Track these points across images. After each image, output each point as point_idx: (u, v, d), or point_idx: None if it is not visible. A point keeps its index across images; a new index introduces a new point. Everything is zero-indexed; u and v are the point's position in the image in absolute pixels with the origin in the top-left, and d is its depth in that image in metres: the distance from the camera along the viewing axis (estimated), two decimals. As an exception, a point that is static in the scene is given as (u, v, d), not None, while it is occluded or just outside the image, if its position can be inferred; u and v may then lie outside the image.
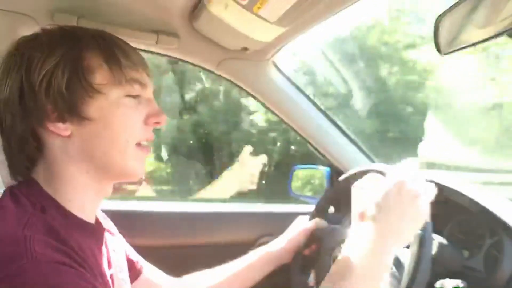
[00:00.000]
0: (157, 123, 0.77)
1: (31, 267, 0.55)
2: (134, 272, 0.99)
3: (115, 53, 0.73)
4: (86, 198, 0.74)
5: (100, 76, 0.70)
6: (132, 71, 0.74)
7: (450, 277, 0.92)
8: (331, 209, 1.29)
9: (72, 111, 0.68)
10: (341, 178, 1.14)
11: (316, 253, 1.07)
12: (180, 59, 1.35)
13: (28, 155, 0.71)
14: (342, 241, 1.01)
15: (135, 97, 0.74)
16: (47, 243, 0.59)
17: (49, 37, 0.72)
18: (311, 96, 1.45)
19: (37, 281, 0.55)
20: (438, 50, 0.82)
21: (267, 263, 1.12)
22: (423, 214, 0.83)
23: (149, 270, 1.04)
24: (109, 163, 0.73)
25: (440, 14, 0.83)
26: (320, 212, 1.17)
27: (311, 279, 1.04)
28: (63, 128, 0.69)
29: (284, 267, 1.15)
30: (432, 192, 0.86)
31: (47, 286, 0.55)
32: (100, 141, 0.71)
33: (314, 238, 1.10)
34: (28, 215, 0.63)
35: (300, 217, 1.14)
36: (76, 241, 0.65)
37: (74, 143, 0.70)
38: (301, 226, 1.13)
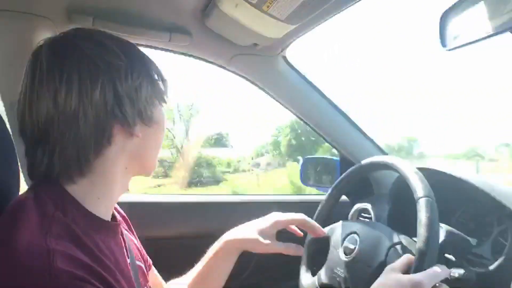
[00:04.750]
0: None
1: (50, 284, 0.56)
2: (146, 264, 1.01)
3: (156, 68, 0.82)
4: (114, 194, 0.78)
5: (159, 86, 0.80)
6: (165, 85, 0.83)
7: (458, 264, 0.94)
8: (343, 198, 1.30)
9: (148, 115, 0.77)
10: (353, 168, 1.15)
11: (324, 251, 1.07)
12: (193, 56, 1.38)
13: (88, 155, 0.71)
14: (349, 235, 1.03)
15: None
16: (69, 258, 0.59)
17: (116, 44, 0.75)
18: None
19: None
20: (443, 46, 0.83)
21: (229, 253, 1.06)
22: None
23: (153, 267, 1.07)
24: (149, 160, 0.82)
25: (446, 10, 0.84)
26: (331, 201, 1.18)
27: (320, 279, 1.04)
28: (138, 130, 0.75)
29: (292, 268, 1.16)
30: None
31: None
32: (154, 142, 0.81)
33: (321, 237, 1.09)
34: (50, 220, 0.64)
35: (274, 213, 1.07)
36: (98, 246, 0.68)
37: (136, 143, 0.76)
38: (274, 219, 1.05)
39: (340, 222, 1.10)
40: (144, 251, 1.01)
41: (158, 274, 1.08)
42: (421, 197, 0.85)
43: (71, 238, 0.63)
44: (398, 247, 0.92)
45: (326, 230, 1.09)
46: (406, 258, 0.83)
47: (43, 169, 0.70)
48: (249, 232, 1.03)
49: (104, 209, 0.76)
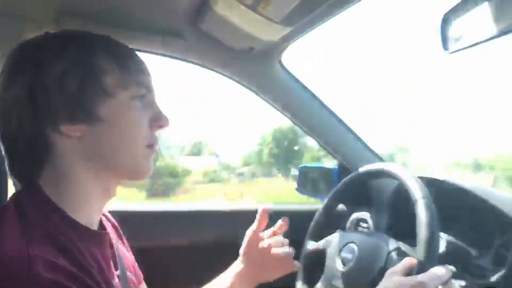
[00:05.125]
0: (161, 125, 0.78)
1: None
2: (137, 277, 0.99)
3: (123, 57, 0.74)
4: (92, 201, 0.74)
5: (110, 78, 0.71)
6: (139, 74, 0.75)
7: (459, 275, 0.91)
8: (340, 207, 1.28)
9: (83, 111, 0.69)
10: (350, 176, 1.14)
11: (321, 264, 1.05)
12: (187, 60, 1.35)
13: (35, 158, 0.70)
14: (347, 244, 1.00)
15: (141, 99, 0.75)
16: (50, 263, 0.58)
17: (57, 39, 0.73)
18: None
19: None
20: (445, 49, 0.81)
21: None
22: None
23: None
24: (118, 164, 0.74)
25: (447, 12, 0.82)
26: (328, 210, 1.17)
27: None
28: (74, 129, 0.69)
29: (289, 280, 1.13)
30: None
31: None
32: (110, 142, 0.72)
33: (317, 249, 1.09)
34: (32, 227, 0.62)
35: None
36: (81, 252, 0.65)
37: (84, 144, 0.70)
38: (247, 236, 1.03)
39: (336, 233, 1.08)
40: (136, 265, 0.98)
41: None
42: (419, 199, 0.85)
43: (53, 244, 0.61)
44: (397, 252, 0.90)
45: (321, 242, 1.08)
46: (407, 261, 0.81)
47: (12, 172, 0.72)
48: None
49: (85, 217, 0.72)
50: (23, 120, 0.68)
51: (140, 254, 1.01)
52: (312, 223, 1.15)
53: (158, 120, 0.78)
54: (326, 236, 1.11)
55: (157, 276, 1.07)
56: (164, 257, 1.27)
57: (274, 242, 1.02)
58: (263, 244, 1.01)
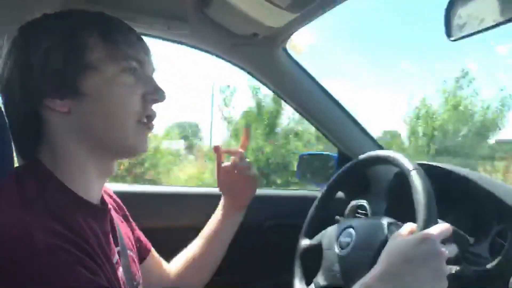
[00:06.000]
0: (155, 100, 0.78)
1: (30, 254, 0.56)
2: (143, 251, 1.01)
3: (111, 30, 0.74)
4: (89, 177, 0.75)
5: (96, 52, 0.71)
6: (129, 48, 0.74)
7: (455, 262, 0.92)
8: (339, 194, 1.29)
9: (68, 87, 0.69)
10: (350, 163, 1.14)
11: (317, 260, 1.05)
12: (191, 45, 1.35)
13: (30, 133, 0.72)
14: (344, 230, 1.00)
15: (132, 73, 0.74)
16: (47, 228, 0.59)
17: (47, 18, 0.74)
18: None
19: (36, 269, 0.55)
20: (448, 36, 0.82)
21: (225, 224, 1.15)
22: (444, 278, 0.74)
23: (153, 250, 1.07)
24: (109, 140, 0.74)
25: (451, -1, 0.82)
26: (327, 197, 1.17)
27: (318, 284, 1.00)
28: (60, 105, 0.70)
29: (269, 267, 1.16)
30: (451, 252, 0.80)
31: (45, 273, 0.56)
32: (98, 118, 0.72)
33: (311, 244, 1.09)
34: (31, 197, 0.64)
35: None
36: (78, 223, 0.66)
37: (73, 120, 0.71)
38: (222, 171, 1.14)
39: (330, 227, 1.08)
40: (142, 237, 1.02)
41: (157, 255, 1.09)
42: (412, 169, 0.86)
43: (51, 214, 0.62)
44: (397, 226, 0.91)
45: (316, 237, 1.09)
46: (408, 225, 0.81)
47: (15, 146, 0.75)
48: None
49: (85, 192, 0.74)
50: (15, 97, 0.71)
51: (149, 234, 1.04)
52: (311, 210, 1.16)
53: (152, 94, 0.77)
54: (320, 232, 1.10)
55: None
56: (162, 238, 1.29)
57: (237, 164, 1.13)
58: (227, 167, 1.14)
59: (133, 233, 0.98)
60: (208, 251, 1.12)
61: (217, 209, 1.17)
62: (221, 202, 1.17)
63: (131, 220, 1.00)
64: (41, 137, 0.72)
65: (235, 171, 1.13)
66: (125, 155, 0.79)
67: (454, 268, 0.89)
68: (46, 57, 0.68)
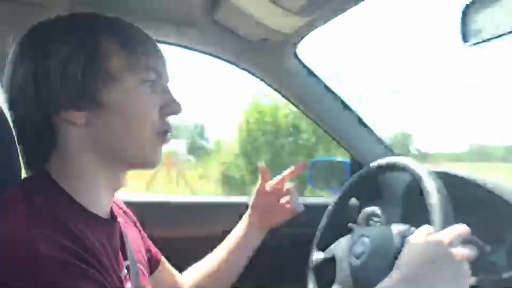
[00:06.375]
0: (172, 112, 0.76)
1: (35, 268, 0.54)
2: (153, 262, 1.00)
3: (130, 39, 0.71)
4: (99, 190, 0.73)
5: (116, 62, 0.68)
6: (148, 58, 0.72)
7: (473, 271, 0.90)
8: (353, 201, 1.27)
9: (87, 98, 0.67)
10: (363, 170, 1.12)
11: (330, 270, 1.04)
12: (200, 51, 1.34)
13: (42, 145, 0.70)
14: (358, 239, 0.99)
15: (150, 84, 0.72)
16: (54, 242, 0.57)
17: (63, 23, 0.71)
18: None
19: (41, 283, 0.54)
20: (465, 41, 0.80)
21: (246, 240, 1.11)
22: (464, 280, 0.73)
23: (165, 260, 1.05)
24: (125, 152, 0.72)
25: (468, 3, 0.80)
26: (340, 205, 1.15)
27: None
28: (78, 116, 0.67)
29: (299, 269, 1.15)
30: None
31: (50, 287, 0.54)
32: (116, 129, 0.70)
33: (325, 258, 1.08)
34: (38, 210, 0.62)
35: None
36: (87, 237, 0.64)
37: (89, 132, 0.69)
38: (259, 192, 1.10)
39: (343, 238, 1.06)
40: (151, 247, 1.00)
41: (169, 266, 1.06)
42: (423, 175, 0.87)
43: (59, 228, 0.60)
44: (411, 231, 0.90)
45: (329, 250, 1.07)
46: (425, 228, 0.79)
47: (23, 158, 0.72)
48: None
49: (94, 205, 0.72)
50: (28, 107, 0.67)
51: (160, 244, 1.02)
52: (324, 217, 1.14)
53: (169, 106, 0.75)
54: (332, 243, 1.09)
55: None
56: (174, 248, 1.29)
57: (278, 186, 1.09)
58: (269, 188, 1.09)
59: (143, 243, 0.97)
60: (228, 264, 1.08)
61: (242, 222, 1.13)
62: (248, 216, 1.12)
63: (140, 229, 0.99)
64: (52, 148, 0.70)
65: (276, 196, 1.09)
66: (140, 167, 0.77)
67: (473, 279, 0.87)
68: (64, 66, 0.66)
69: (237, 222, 1.13)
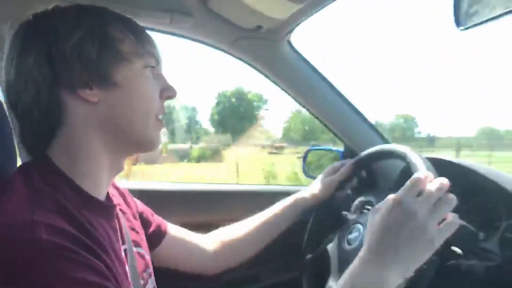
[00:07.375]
0: (169, 96, 0.80)
1: (35, 255, 0.55)
2: (158, 234, 1.03)
3: (135, 28, 0.76)
4: (101, 173, 0.74)
5: (127, 45, 0.73)
6: (150, 45, 0.77)
7: (465, 258, 0.91)
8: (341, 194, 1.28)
9: (101, 76, 0.70)
10: (357, 158, 1.13)
11: (326, 270, 1.04)
12: (194, 39, 1.34)
13: (48, 127, 0.71)
14: (351, 228, 1.00)
15: (151, 70, 0.77)
16: (55, 228, 0.58)
17: (71, 10, 0.73)
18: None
19: (41, 270, 0.54)
20: (457, 25, 0.79)
21: (292, 208, 1.19)
22: (430, 233, 0.73)
23: (176, 229, 1.08)
24: (131, 132, 0.75)
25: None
26: (324, 209, 1.17)
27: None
28: (92, 94, 0.70)
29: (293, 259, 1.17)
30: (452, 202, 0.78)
31: (50, 275, 0.55)
32: (125, 109, 0.73)
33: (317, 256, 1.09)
34: (39, 194, 0.63)
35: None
36: (87, 220, 0.65)
37: (99, 109, 0.71)
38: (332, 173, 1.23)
39: (331, 235, 1.07)
40: (154, 218, 1.03)
41: (183, 234, 1.10)
42: (416, 161, 0.90)
43: (60, 211, 0.61)
44: None
45: (320, 249, 1.08)
46: (387, 198, 0.77)
47: (24, 143, 0.73)
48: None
49: (93, 187, 0.73)
50: (41, 86, 0.68)
51: None
52: (306, 234, 1.17)
53: (167, 90, 0.80)
54: (323, 241, 1.10)
55: None
56: None
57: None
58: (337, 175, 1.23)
59: (141, 214, 0.99)
60: (261, 232, 1.15)
61: (288, 199, 1.21)
62: (298, 194, 1.21)
63: (134, 200, 1.00)
64: (57, 129, 0.71)
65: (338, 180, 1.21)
66: (142, 149, 0.80)
67: (465, 264, 0.88)
68: (80, 47, 0.68)
69: (251, 210, 1.17)
